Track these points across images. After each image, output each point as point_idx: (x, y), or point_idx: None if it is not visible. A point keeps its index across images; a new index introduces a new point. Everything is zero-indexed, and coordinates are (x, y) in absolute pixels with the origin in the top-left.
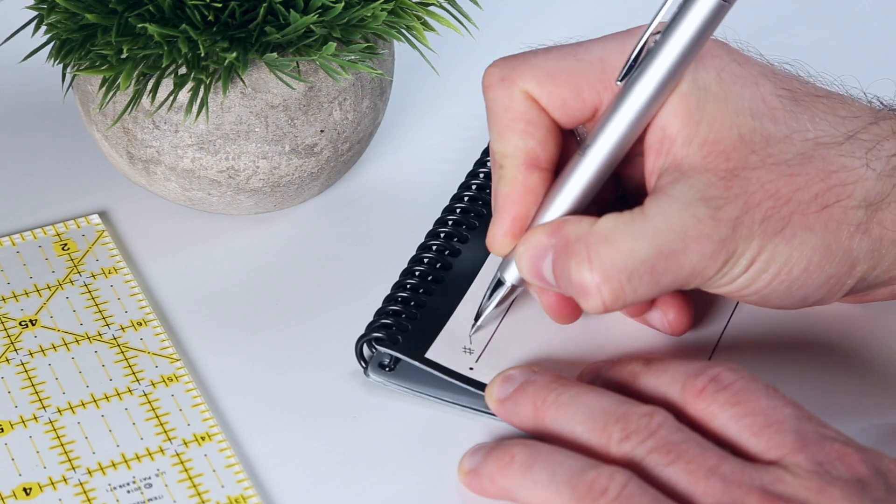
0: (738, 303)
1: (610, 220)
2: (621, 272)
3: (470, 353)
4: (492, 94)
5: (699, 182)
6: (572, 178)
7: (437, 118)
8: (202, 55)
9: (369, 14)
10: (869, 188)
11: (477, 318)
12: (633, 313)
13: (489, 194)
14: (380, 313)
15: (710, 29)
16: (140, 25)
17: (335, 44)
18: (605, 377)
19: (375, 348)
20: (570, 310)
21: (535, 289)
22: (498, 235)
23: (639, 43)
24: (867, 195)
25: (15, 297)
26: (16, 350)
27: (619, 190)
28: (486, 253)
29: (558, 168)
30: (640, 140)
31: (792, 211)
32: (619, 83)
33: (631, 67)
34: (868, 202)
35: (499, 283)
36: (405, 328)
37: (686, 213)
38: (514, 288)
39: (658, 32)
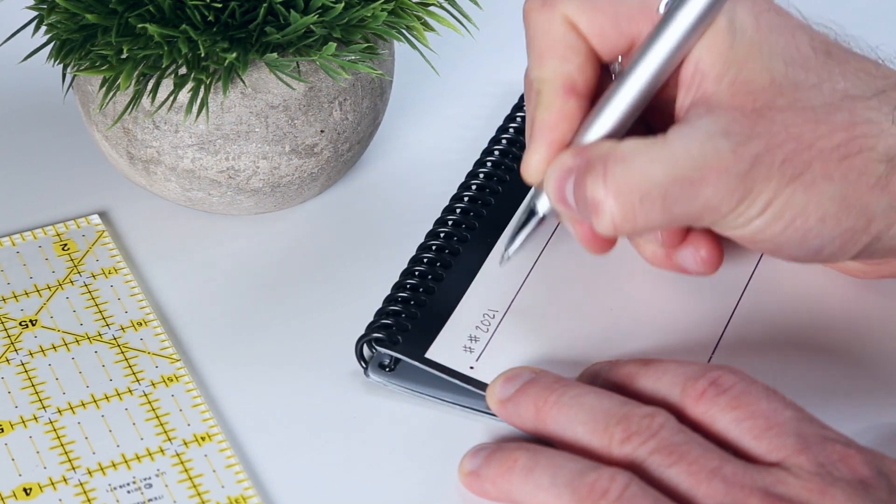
0: (738, 302)
1: (631, 143)
2: (633, 192)
3: (470, 352)
4: (532, 18)
5: (724, 117)
6: (608, 105)
7: (437, 118)
8: (202, 55)
9: (369, 14)
10: (892, 144)
11: (506, 250)
12: (669, 244)
13: (489, 194)
14: (380, 313)
15: None
16: (140, 26)
17: (335, 44)
18: (605, 378)
19: (375, 348)
20: (602, 239)
21: (567, 218)
22: (533, 162)
23: None
24: (889, 150)
25: (15, 297)
26: (16, 350)
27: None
28: (487, 253)
29: (594, 99)
30: (675, 80)
31: (813, 157)
32: (660, 11)
33: None
34: (889, 157)
35: (531, 214)
36: (405, 328)
37: (707, 144)
38: (544, 218)
39: None
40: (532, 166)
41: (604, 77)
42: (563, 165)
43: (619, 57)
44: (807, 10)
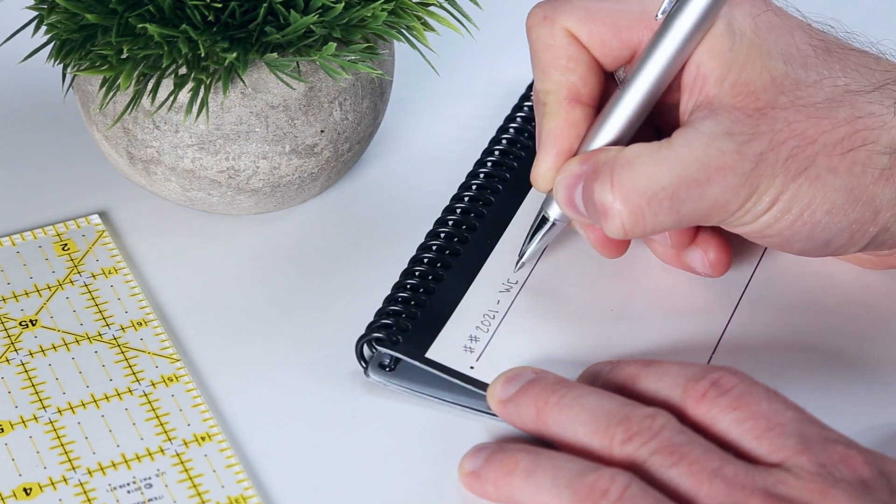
0: (738, 303)
1: (636, 147)
2: (641, 195)
3: (471, 352)
4: (534, 33)
5: (727, 118)
6: (613, 112)
7: (437, 118)
8: (202, 55)
9: (369, 14)
10: (895, 136)
11: (521, 257)
12: (678, 244)
13: (489, 194)
14: (380, 313)
15: None
16: (140, 26)
17: (335, 44)
18: (605, 379)
19: (376, 348)
20: (615, 243)
21: (578, 223)
22: (541, 171)
23: None
24: (892, 142)
25: (15, 297)
26: (16, 350)
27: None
28: (487, 253)
29: (600, 107)
30: (678, 83)
31: (817, 152)
32: (658, 18)
33: (671, 3)
34: (893, 149)
35: (542, 221)
36: (405, 328)
37: (711, 145)
38: (555, 224)
39: None
40: (541, 175)
41: (608, 85)
42: (571, 172)
43: (623, 65)
44: (807, 10)
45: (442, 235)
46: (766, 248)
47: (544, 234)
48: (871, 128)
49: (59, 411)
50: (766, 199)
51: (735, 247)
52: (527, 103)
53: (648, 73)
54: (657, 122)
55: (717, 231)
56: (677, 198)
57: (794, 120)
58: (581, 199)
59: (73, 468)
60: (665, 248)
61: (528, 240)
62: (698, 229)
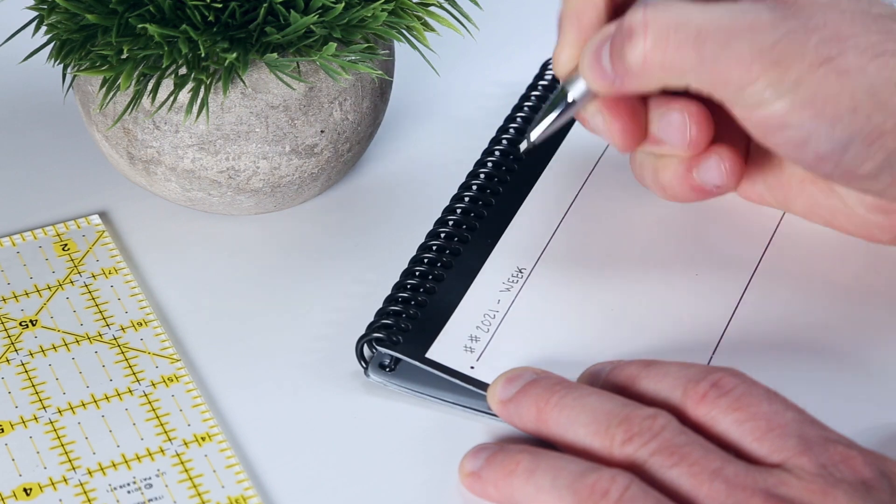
0: (738, 303)
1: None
2: (669, 21)
3: (471, 352)
4: None
5: (768, 2)
6: None
7: (437, 118)
8: (202, 55)
9: (369, 14)
10: None
11: (530, 132)
12: (696, 145)
13: (489, 194)
14: (380, 313)
15: None
16: (140, 26)
17: (335, 44)
18: (606, 379)
19: (376, 348)
20: (634, 132)
21: (600, 113)
22: (563, 51)
23: None
24: None
25: (15, 297)
26: (16, 350)
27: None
28: (488, 253)
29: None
30: None
31: (848, 48)
32: None
33: None
34: None
35: (559, 98)
36: (406, 328)
37: (748, 10)
38: (572, 104)
39: None
40: (564, 53)
41: None
42: (602, 34)
43: None
44: None
45: (442, 235)
46: (766, 248)
47: (560, 113)
48: None
49: (60, 411)
50: (789, 80)
51: (736, 247)
52: (527, 103)
53: None
54: None
55: (732, 142)
56: (704, 34)
57: (831, 18)
58: (608, 56)
59: (74, 468)
60: (675, 168)
61: (541, 114)
62: (713, 139)
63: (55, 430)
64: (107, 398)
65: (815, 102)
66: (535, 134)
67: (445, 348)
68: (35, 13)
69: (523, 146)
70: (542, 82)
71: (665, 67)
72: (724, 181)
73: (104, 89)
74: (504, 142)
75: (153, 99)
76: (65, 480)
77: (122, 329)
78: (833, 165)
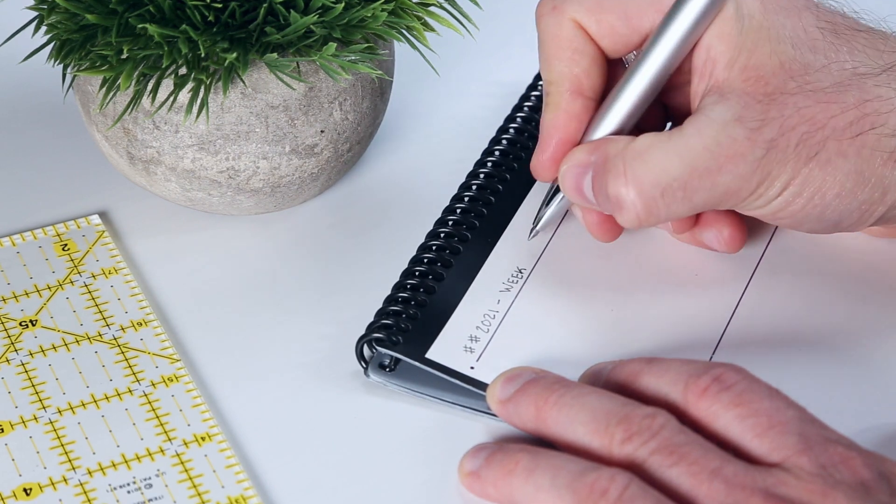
0: (739, 302)
1: (647, 138)
2: (654, 187)
3: (471, 352)
4: (542, 23)
5: (737, 104)
6: (619, 97)
7: (437, 118)
8: (202, 55)
9: (369, 14)
10: None
11: (535, 224)
12: (680, 230)
13: (489, 194)
14: (380, 313)
15: None
16: (140, 26)
17: (335, 44)
18: (608, 376)
19: (376, 348)
20: (610, 227)
21: (578, 208)
22: (541, 160)
23: None
24: None
25: (15, 297)
26: (16, 350)
27: (668, 121)
28: (487, 253)
29: (602, 99)
30: (688, 66)
31: (827, 136)
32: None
33: None
34: None
35: (557, 191)
36: (406, 328)
37: (722, 133)
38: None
39: None
40: (541, 164)
41: (611, 78)
42: (579, 161)
43: (634, 51)
44: None
45: (442, 235)
46: (767, 248)
47: (560, 202)
48: (880, 111)
49: (59, 411)
50: (778, 185)
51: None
52: (527, 103)
53: (657, 56)
54: (664, 99)
55: (731, 210)
56: (690, 188)
57: (804, 105)
58: (591, 188)
59: (73, 468)
60: (679, 227)
61: (543, 206)
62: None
63: (55, 430)
64: (107, 398)
65: (803, 195)
66: (540, 225)
67: (445, 348)
68: (35, 13)
69: (529, 236)
70: (542, 82)
71: (661, 221)
72: (724, 249)
73: (104, 89)
74: (504, 142)
75: (153, 99)
76: (65, 480)
77: (122, 329)
78: (829, 232)
